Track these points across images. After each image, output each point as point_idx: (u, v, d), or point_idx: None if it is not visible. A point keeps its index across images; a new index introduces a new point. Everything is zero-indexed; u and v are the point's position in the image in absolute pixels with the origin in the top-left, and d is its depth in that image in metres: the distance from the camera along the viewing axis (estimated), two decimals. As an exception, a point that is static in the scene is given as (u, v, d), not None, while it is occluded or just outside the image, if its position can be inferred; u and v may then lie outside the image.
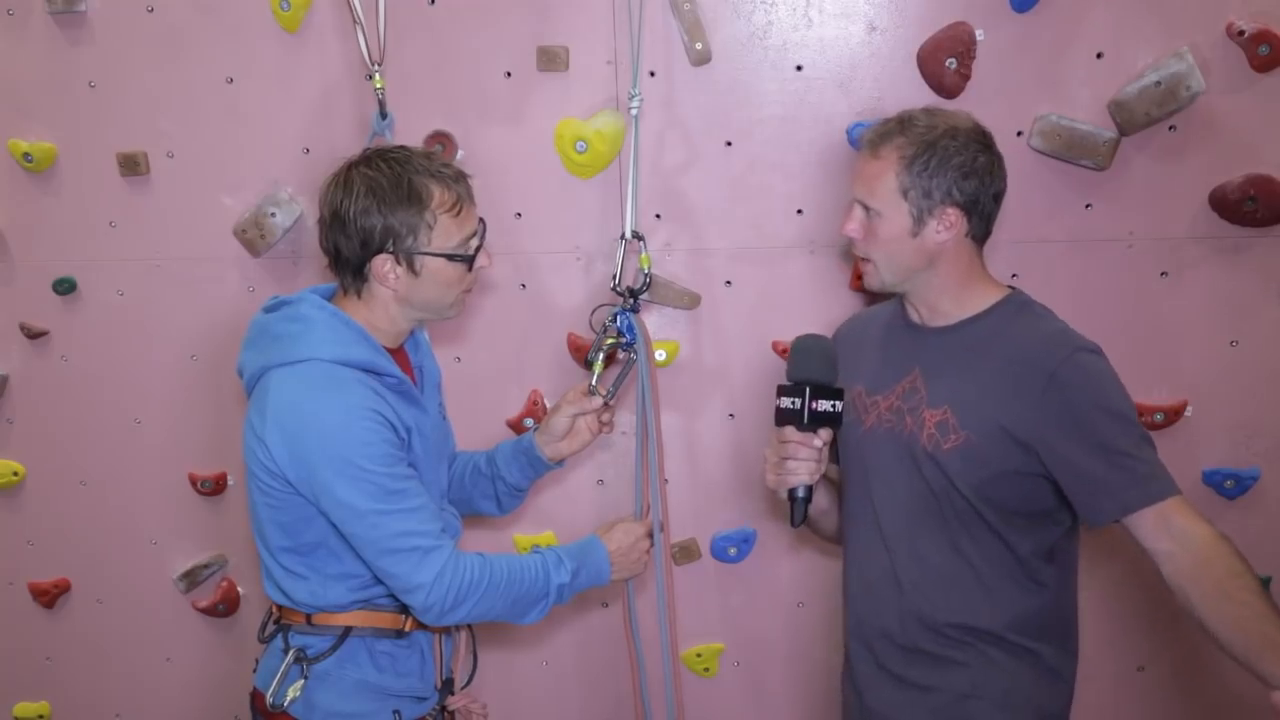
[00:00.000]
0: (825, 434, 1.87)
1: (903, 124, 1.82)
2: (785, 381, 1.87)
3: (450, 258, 1.82)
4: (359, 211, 1.78)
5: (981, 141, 1.82)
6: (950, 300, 1.88)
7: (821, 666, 2.46)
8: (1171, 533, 1.71)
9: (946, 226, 1.80)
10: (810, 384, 1.83)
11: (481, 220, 1.88)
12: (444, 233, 1.80)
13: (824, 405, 1.83)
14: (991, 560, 1.83)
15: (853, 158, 2.25)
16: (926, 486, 1.84)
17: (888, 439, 1.90)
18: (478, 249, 1.86)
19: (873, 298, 2.33)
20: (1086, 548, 2.33)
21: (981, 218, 1.84)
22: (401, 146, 1.89)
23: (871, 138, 1.85)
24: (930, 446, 1.83)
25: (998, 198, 1.85)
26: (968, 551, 1.83)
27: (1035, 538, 1.83)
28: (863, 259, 1.88)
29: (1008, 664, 1.83)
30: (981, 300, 1.87)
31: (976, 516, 1.81)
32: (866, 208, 1.84)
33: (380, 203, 1.77)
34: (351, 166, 1.83)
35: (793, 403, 1.84)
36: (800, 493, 1.89)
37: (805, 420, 1.82)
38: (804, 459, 1.86)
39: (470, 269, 1.85)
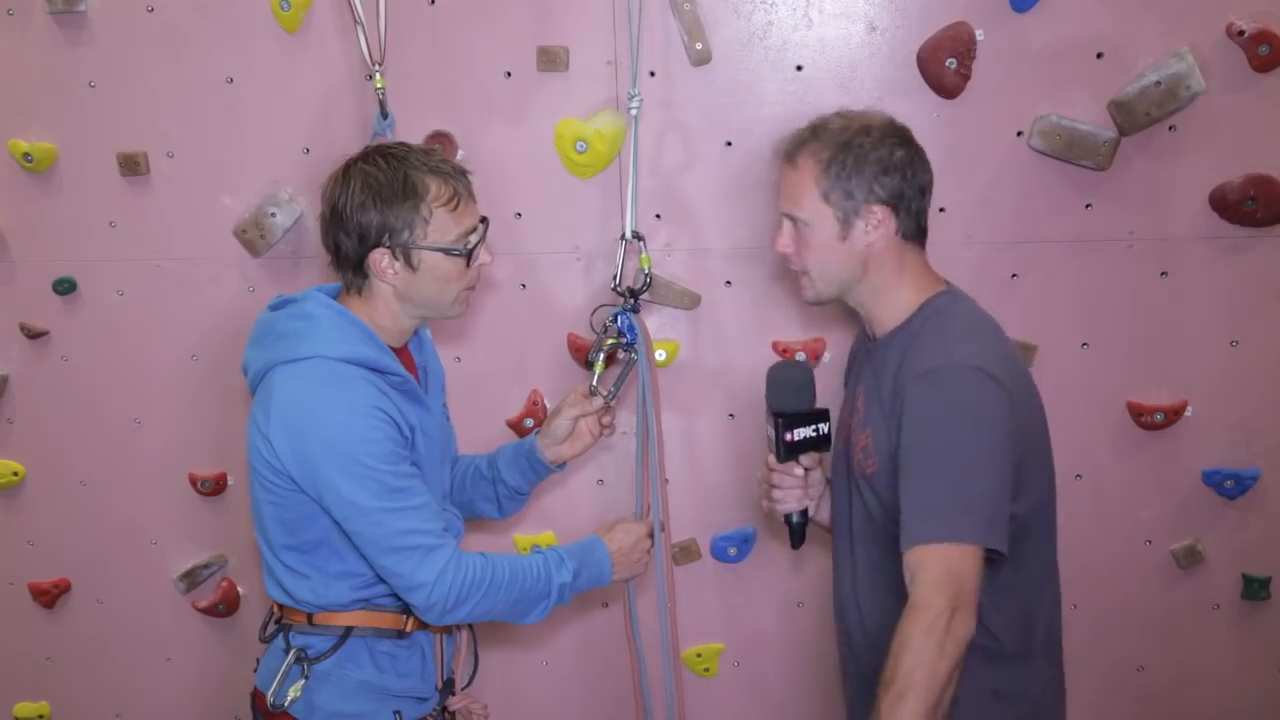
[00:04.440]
0: (808, 460, 1.90)
1: (815, 130, 1.78)
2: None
3: (447, 252, 1.82)
4: (355, 207, 1.78)
5: (898, 136, 1.76)
6: (886, 309, 1.80)
7: (821, 666, 2.46)
8: (913, 579, 1.57)
9: (874, 225, 1.73)
10: (783, 415, 1.85)
11: (484, 218, 1.88)
12: (440, 227, 1.80)
13: (802, 433, 1.85)
14: None
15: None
16: (865, 510, 1.81)
17: (840, 458, 1.89)
18: (477, 245, 1.86)
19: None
20: (1085, 549, 2.35)
21: (910, 214, 1.75)
22: (402, 143, 1.89)
23: (788, 149, 1.80)
24: (860, 471, 1.80)
25: (924, 192, 1.77)
26: (895, 576, 1.72)
27: None
28: (799, 272, 1.83)
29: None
30: (909, 307, 1.78)
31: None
32: (794, 220, 1.79)
33: (376, 197, 1.77)
34: (351, 163, 1.83)
35: (771, 433, 1.87)
36: (795, 518, 1.92)
37: (781, 454, 1.86)
38: (788, 488, 1.90)
39: (469, 265, 1.85)
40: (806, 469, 1.91)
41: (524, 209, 2.38)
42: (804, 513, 1.92)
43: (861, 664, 1.85)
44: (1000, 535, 1.59)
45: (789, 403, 1.87)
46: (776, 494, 1.91)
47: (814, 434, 1.86)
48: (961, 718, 1.65)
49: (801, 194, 1.76)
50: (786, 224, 1.81)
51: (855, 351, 2.02)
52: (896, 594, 1.64)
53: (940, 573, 1.55)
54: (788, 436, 1.85)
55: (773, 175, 2.29)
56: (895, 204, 1.74)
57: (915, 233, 1.78)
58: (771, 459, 1.89)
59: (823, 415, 1.88)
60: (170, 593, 2.64)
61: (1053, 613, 1.83)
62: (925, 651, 1.52)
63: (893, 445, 1.69)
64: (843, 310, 2.34)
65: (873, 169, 1.72)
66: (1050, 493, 1.82)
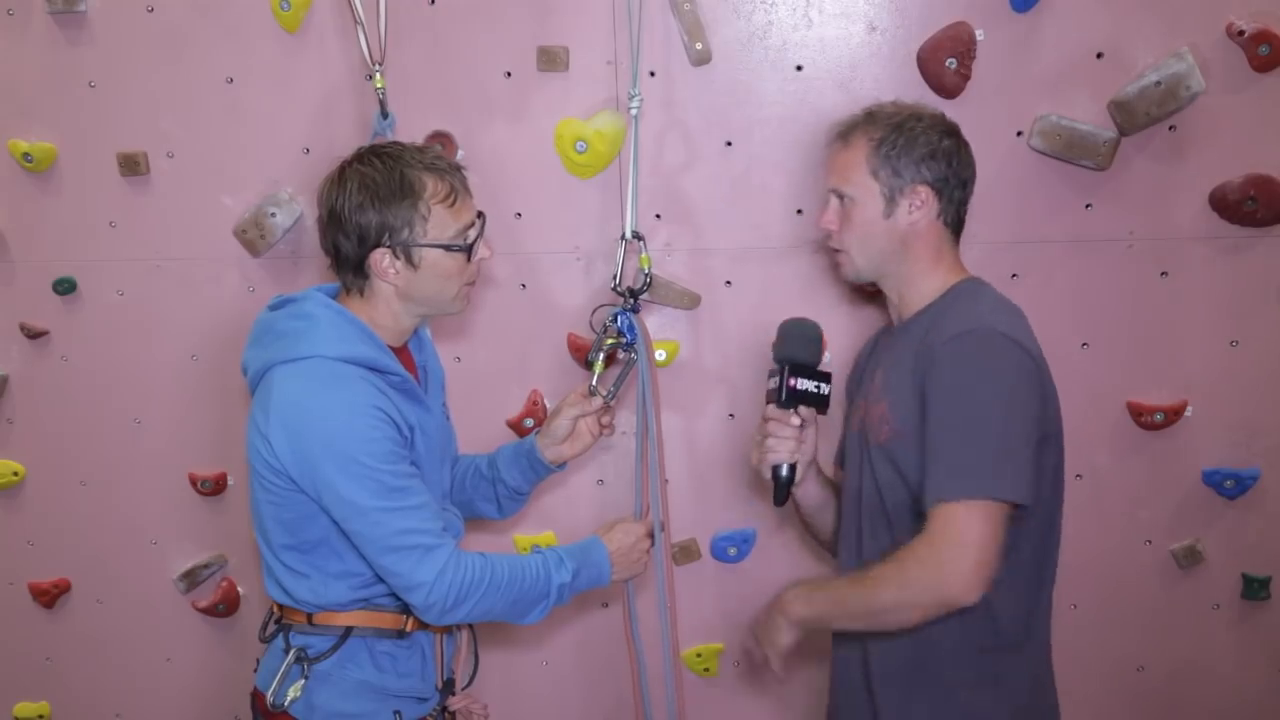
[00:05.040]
0: (806, 413, 1.92)
1: (870, 114, 1.88)
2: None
3: (447, 248, 1.82)
4: (354, 208, 1.78)
5: (945, 128, 1.86)
6: (916, 292, 1.87)
7: (822, 667, 2.46)
8: (929, 527, 1.64)
9: (918, 205, 1.82)
10: (789, 362, 1.89)
11: (481, 213, 1.88)
12: (439, 224, 1.81)
13: (805, 385, 1.89)
14: None
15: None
16: (874, 482, 1.84)
17: (856, 439, 1.93)
18: (476, 239, 1.86)
19: (869, 298, 2.33)
20: (1085, 549, 2.35)
21: (952, 201, 1.85)
22: (395, 142, 1.89)
23: (840, 130, 1.90)
24: (874, 441, 1.84)
25: (966, 184, 1.87)
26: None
27: None
28: (838, 250, 1.91)
29: (947, 677, 1.77)
30: (938, 290, 1.86)
31: (914, 513, 1.75)
32: (841, 196, 1.87)
33: (374, 198, 1.78)
34: (346, 165, 1.83)
35: (773, 380, 1.91)
36: (783, 471, 1.92)
37: (782, 398, 1.89)
38: (783, 436, 1.91)
39: (469, 260, 1.85)
40: (803, 421, 1.92)
41: (524, 209, 2.38)
42: (792, 469, 1.93)
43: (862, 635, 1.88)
44: (1024, 489, 1.64)
45: (798, 352, 1.91)
46: (770, 443, 1.92)
47: (815, 390, 1.90)
48: (963, 702, 1.73)
49: (852, 170, 1.85)
50: (834, 201, 1.89)
51: (863, 354, 2.08)
52: None
53: (938, 525, 1.63)
54: (791, 382, 1.88)
55: (773, 177, 2.31)
56: (939, 189, 1.83)
57: (955, 222, 1.87)
58: (770, 407, 1.92)
59: (826, 377, 1.91)
60: (170, 593, 2.64)
61: (1047, 608, 1.86)
62: (886, 574, 1.68)
63: (916, 407, 1.74)
64: (844, 310, 2.34)
65: (921, 151, 1.81)
66: (1058, 485, 1.83)
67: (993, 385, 1.67)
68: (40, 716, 2.75)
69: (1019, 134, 2.23)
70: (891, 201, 1.83)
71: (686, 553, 2.47)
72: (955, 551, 1.61)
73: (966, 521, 1.61)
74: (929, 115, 1.86)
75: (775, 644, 1.86)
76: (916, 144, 1.81)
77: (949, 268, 1.87)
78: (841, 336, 2.35)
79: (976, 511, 1.61)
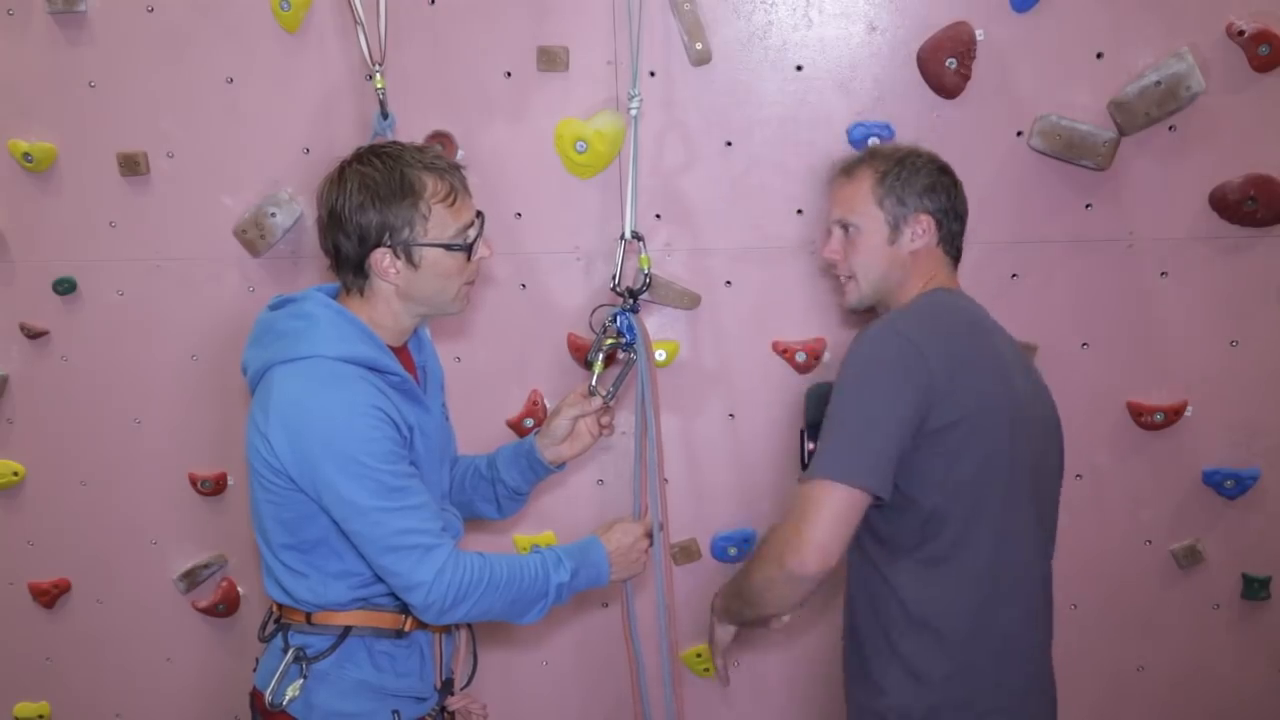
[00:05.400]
0: None
1: (871, 151, 1.98)
2: None
3: (448, 248, 1.82)
4: (354, 208, 1.78)
5: (940, 166, 1.94)
6: (897, 304, 1.93)
7: (821, 666, 2.46)
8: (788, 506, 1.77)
9: (920, 233, 1.90)
10: (808, 427, 2.00)
11: (480, 213, 1.88)
12: (439, 223, 1.80)
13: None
14: (856, 563, 1.91)
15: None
16: None
17: None
18: (476, 239, 1.86)
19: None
20: (1085, 549, 2.35)
21: (950, 232, 1.92)
22: (394, 142, 1.89)
23: (843, 166, 1.98)
24: None
25: (962, 219, 1.94)
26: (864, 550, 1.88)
27: (883, 532, 1.83)
28: (845, 278, 1.96)
29: (870, 658, 1.86)
30: (911, 300, 1.92)
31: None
32: (845, 227, 1.94)
33: (374, 197, 1.77)
34: (346, 165, 1.83)
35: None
36: None
37: (804, 461, 2.00)
38: None
39: (469, 259, 1.85)
40: None
41: (524, 209, 2.38)
42: None
43: (846, 632, 1.96)
44: (866, 475, 1.71)
45: (813, 416, 1.98)
46: None
47: None
48: (889, 688, 1.81)
49: (857, 201, 1.92)
50: (837, 231, 1.96)
51: None
52: (869, 564, 1.86)
53: (792, 507, 1.74)
54: (810, 446, 1.98)
55: (772, 177, 2.31)
56: (940, 218, 1.90)
57: (953, 252, 1.94)
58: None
59: None
60: (170, 593, 2.64)
61: (1008, 611, 1.82)
62: (753, 560, 1.87)
63: None
64: (843, 310, 2.34)
65: (923, 182, 1.90)
66: (978, 499, 1.78)
67: (857, 376, 1.77)
68: (40, 716, 2.75)
69: (1019, 134, 2.23)
70: (896, 229, 1.90)
71: (686, 553, 2.47)
72: (793, 525, 1.72)
73: (807, 498, 1.72)
74: (925, 154, 1.95)
75: (714, 641, 2.04)
76: (919, 175, 1.90)
77: (935, 285, 1.91)
78: (843, 337, 2.35)
79: (818, 490, 1.71)
